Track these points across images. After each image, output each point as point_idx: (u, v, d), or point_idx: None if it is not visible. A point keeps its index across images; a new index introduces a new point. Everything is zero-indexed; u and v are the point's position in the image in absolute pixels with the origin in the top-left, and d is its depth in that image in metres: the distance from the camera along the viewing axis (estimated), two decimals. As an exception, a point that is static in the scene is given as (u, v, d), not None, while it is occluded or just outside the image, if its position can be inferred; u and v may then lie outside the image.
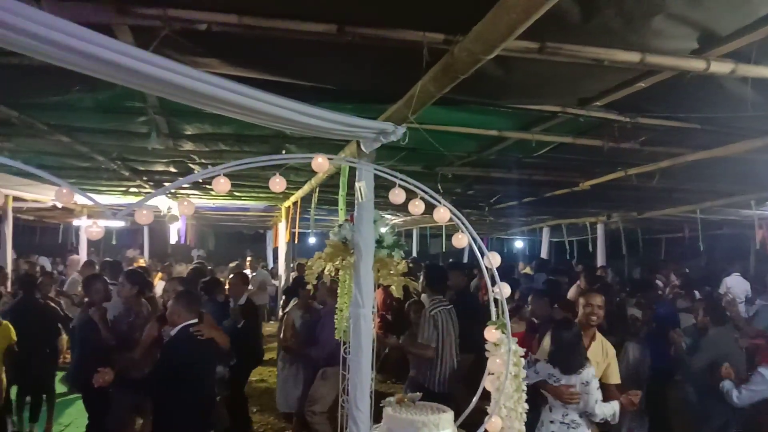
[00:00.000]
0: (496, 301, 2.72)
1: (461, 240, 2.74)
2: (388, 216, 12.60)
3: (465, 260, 14.59)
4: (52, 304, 7.47)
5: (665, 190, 7.83)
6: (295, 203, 9.84)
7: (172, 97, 2.72)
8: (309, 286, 5.91)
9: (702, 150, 5.11)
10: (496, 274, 2.65)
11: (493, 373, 2.74)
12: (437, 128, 4.61)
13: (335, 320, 4.35)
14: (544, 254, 14.21)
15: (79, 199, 8.07)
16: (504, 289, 2.64)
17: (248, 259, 14.20)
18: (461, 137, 5.18)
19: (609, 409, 3.97)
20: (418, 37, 2.81)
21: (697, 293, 8.59)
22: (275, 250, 15.39)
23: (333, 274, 4.65)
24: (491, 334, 2.69)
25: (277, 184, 2.71)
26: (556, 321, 4.36)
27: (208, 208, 12.75)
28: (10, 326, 5.33)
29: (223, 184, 2.56)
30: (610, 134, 4.76)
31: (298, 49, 3.03)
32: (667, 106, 4.00)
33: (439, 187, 7.09)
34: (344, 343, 4.16)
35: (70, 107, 4.32)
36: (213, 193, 9.70)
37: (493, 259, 2.65)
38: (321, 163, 2.67)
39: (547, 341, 4.32)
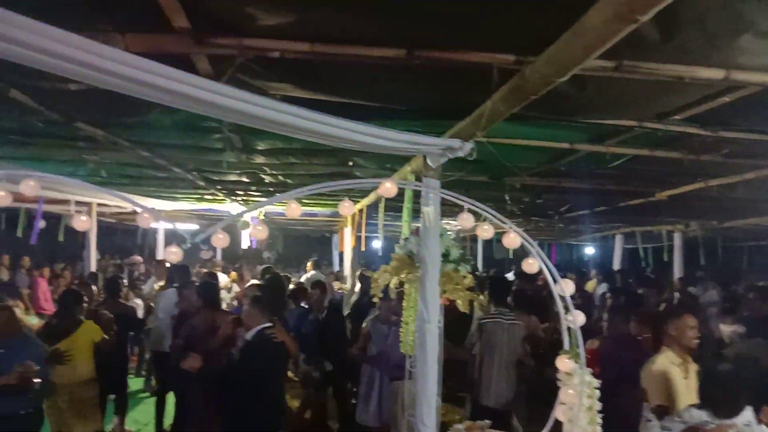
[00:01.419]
0: (569, 329, 2.64)
1: (521, 256, 2.67)
2: (452, 222, 12.53)
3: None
4: (131, 305, 7.81)
5: (749, 200, 7.39)
6: (360, 210, 9.93)
7: (246, 123, 2.82)
8: (375, 299, 5.99)
9: (792, 162, 4.80)
10: (569, 301, 2.58)
11: (565, 404, 2.67)
12: (505, 142, 4.54)
13: (400, 333, 4.36)
14: (616, 262, 13.72)
15: (158, 204, 8.40)
16: (578, 318, 2.57)
17: (309, 264, 14.58)
18: (530, 149, 5.07)
19: None
20: (488, 59, 2.78)
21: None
22: (341, 254, 15.58)
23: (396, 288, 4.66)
24: (564, 363, 2.62)
25: (346, 208, 2.74)
26: (708, 356, 3.75)
27: (277, 214, 13.06)
28: (95, 325, 5.49)
29: (294, 209, 2.62)
30: (690, 147, 4.54)
31: (368, 72, 3.05)
32: (754, 119, 3.78)
33: (507, 198, 6.99)
34: (409, 357, 4.16)
35: (150, 126, 4.54)
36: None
37: (566, 287, 2.58)
38: (389, 188, 2.68)
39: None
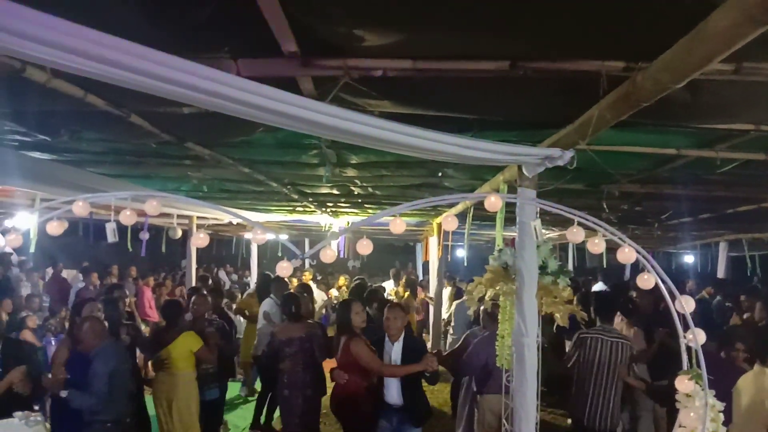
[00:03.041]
0: (689, 348, 2.50)
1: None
2: (544, 231, 12.23)
3: (626, 277, 13.68)
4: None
5: None
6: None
7: (347, 140, 2.88)
8: (470, 312, 5.93)
9: None
10: (690, 319, 2.44)
11: (684, 427, 2.52)
12: (608, 149, 4.37)
13: (496, 347, 4.29)
14: (720, 272, 12.85)
15: (252, 216, 8.71)
16: (699, 336, 2.42)
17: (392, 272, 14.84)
18: (633, 156, 4.86)
19: None
20: (596, 67, 2.70)
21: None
22: (425, 263, 15.61)
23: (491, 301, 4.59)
24: (684, 384, 2.47)
25: (450, 222, 2.74)
26: None
27: (362, 224, 13.27)
28: (195, 336, 5.52)
29: (399, 224, 2.64)
30: (814, 149, 4.20)
31: (469, 85, 3.04)
32: None
33: (605, 205, 6.73)
34: (506, 371, 4.08)
35: (253, 144, 4.76)
36: (369, 210, 10.11)
37: (687, 305, 2.44)
38: (494, 202, 2.66)
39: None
